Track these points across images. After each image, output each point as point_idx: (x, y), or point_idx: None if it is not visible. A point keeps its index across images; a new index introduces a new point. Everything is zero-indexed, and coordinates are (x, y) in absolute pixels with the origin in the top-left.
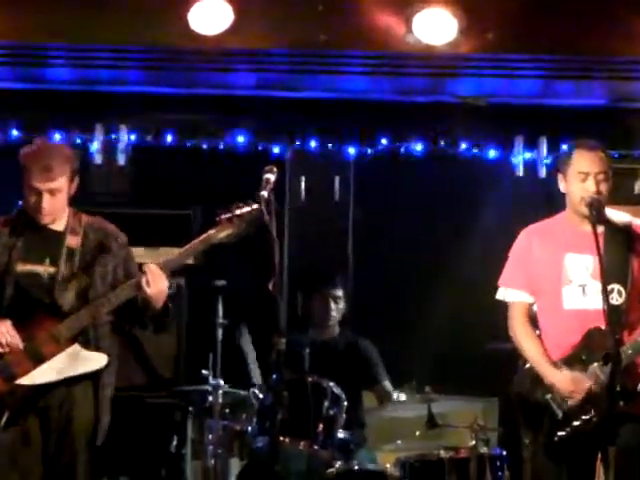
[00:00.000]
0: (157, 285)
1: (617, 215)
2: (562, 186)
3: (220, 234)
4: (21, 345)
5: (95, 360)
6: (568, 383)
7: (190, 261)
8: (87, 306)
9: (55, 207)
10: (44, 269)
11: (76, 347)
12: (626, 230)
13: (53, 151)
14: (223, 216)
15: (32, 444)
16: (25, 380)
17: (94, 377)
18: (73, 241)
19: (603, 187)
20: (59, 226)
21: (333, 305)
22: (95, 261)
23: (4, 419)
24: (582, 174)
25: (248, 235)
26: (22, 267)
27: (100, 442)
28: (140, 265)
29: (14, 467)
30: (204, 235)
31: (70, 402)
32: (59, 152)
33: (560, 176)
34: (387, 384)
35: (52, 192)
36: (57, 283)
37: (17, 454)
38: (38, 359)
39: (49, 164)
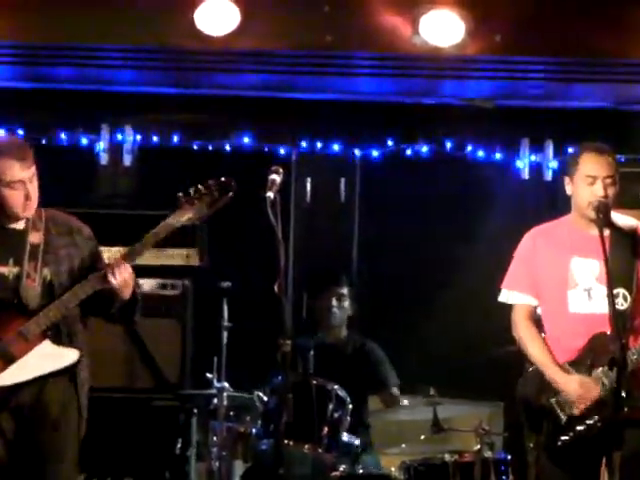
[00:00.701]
0: (122, 276)
1: (623, 219)
2: (569, 189)
3: (181, 218)
4: None
5: (66, 356)
6: (577, 387)
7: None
8: (55, 302)
9: (35, 195)
10: (8, 270)
11: (46, 343)
12: (632, 234)
13: (20, 140)
14: (183, 199)
15: (5, 445)
16: None
17: (72, 373)
18: (35, 238)
19: (610, 191)
20: (20, 224)
21: (335, 302)
22: (59, 255)
23: None
24: (590, 178)
25: (214, 217)
26: None
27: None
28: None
29: None
30: (164, 222)
31: (45, 400)
32: (18, 142)
33: (567, 179)
34: (395, 390)
35: (31, 180)
36: (22, 282)
37: None
38: (8, 359)
39: (25, 152)
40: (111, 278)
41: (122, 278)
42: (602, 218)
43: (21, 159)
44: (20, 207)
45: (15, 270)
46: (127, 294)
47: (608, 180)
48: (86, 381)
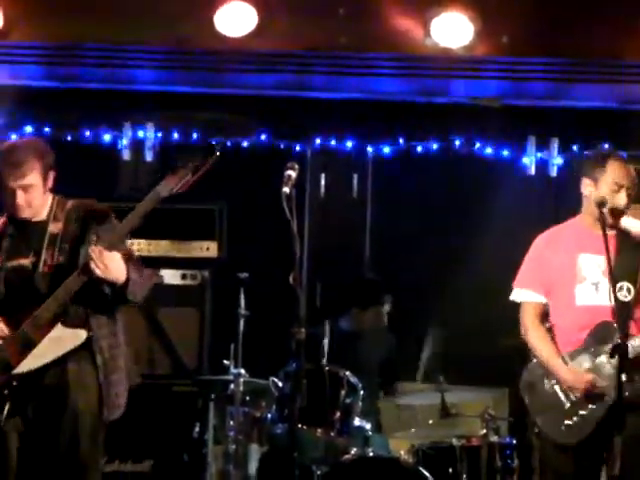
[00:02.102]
0: (107, 266)
1: (628, 219)
2: (587, 190)
3: (166, 187)
4: (6, 331)
5: (75, 337)
6: (570, 376)
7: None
8: (60, 287)
9: (30, 202)
10: (29, 261)
11: (58, 327)
12: (637, 233)
13: (22, 148)
14: (169, 171)
15: (26, 431)
16: (20, 368)
17: (92, 357)
18: (55, 227)
19: (628, 201)
20: (41, 217)
21: (375, 320)
22: (79, 243)
23: (6, 411)
24: (618, 185)
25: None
26: (10, 263)
27: (111, 417)
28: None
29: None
30: (151, 192)
31: (65, 382)
32: (29, 148)
33: (588, 180)
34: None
35: (25, 189)
36: (38, 269)
37: (8, 441)
38: (29, 345)
39: (18, 161)
40: (95, 269)
41: (107, 267)
42: (611, 223)
43: (13, 169)
44: (15, 210)
45: (34, 260)
46: (118, 278)
47: (630, 190)
48: (117, 365)
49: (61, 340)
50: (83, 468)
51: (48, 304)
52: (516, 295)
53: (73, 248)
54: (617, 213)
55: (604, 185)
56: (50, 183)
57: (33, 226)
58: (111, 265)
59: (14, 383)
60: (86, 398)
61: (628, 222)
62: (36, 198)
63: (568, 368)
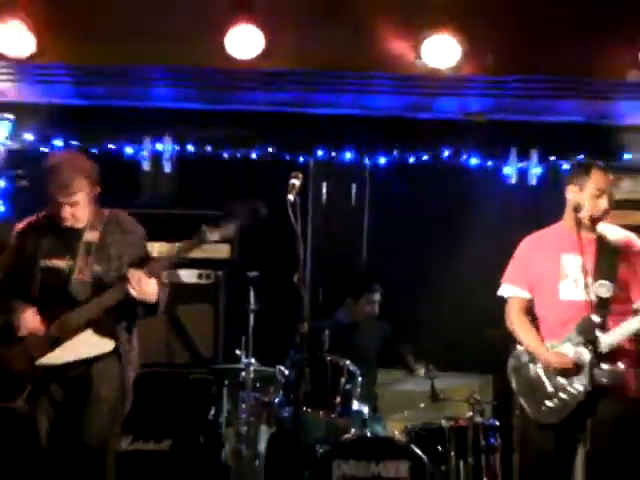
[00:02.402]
0: (143, 290)
1: (607, 225)
2: (572, 195)
3: (211, 236)
4: (41, 331)
5: (102, 345)
6: (555, 358)
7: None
8: (95, 300)
9: (75, 214)
10: (65, 263)
11: (89, 332)
12: (615, 237)
13: (70, 167)
14: (216, 222)
15: (52, 406)
16: (42, 360)
17: (118, 356)
18: (91, 236)
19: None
20: (80, 224)
21: (369, 308)
22: (111, 254)
23: (26, 392)
24: (600, 191)
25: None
26: (46, 263)
27: (128, 408)
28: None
29: (35, 435)
30: (197, 239)
31: (92, 376)
32: (76, 168)
33: (574, 187)
34: (411, 358)
35: (72, 204)
36: (73, 275)
37: (38, 423)
38: (53, 343)
39: (67, 182)
40: (132, 292)
41: (143, 292)
42: (590, 226)
43: (60, 187)
44: (60, 221)
45: (70, 264)
46: (150, 299)
47: (610, 195)
48: (132, 366)
49: (90, 344)
50: (103, 450)
51: (79, 313)
52: (503, 290)
53: (107, 258)
54: (594, 219)
55: (588, 191)
56: (95, 193)
57: (71, 233)
58: (147, 289)
59: (37, 372)
60: (108, 389)
61: (605, 228)
62: (81, 211)
63: (552, 351)
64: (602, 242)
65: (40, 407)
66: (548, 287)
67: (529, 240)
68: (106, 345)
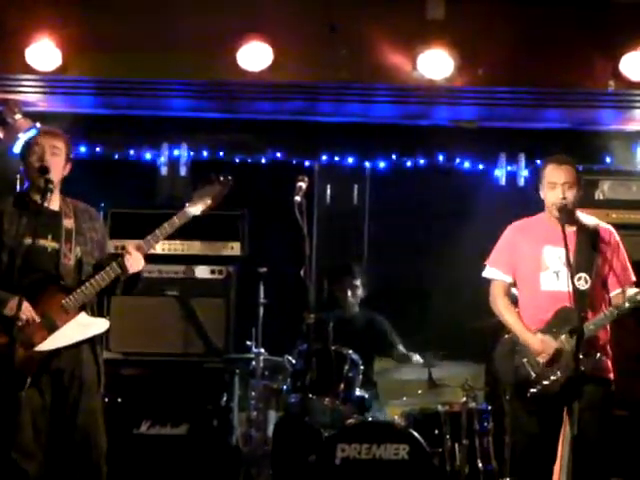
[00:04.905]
0: (137, 265)
1: (587, 218)
2: (542, 193)
3: (194, 209)
4: (37, 319)
5: (99, 324)
6: (539, 343)
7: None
8: (89, 282)
9: (54, 168)
10: (48, 243)
11: (82, 315)
12: (593, 231)
13: (54, 133)
14: (195, 194)
15: (45, 403)
16: (42, 346)
17: (91, 341)
18: (68, 223)
19: (569, 194)
20: (54, 207)
21: (350, 292)
22: (86, 238)
23: (28, 383)
24: (551, 184)
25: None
26: (29, 240)
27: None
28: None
29: (33, 425)
30: (181, 212)
31: (78, 363)
32: (59, 135)
33: (540, 185)
34: (401, 347)
35: (53, 149)
36: (60, 260)
37: (35, 413)
38: (52, 328)
39: (54, 131)
40: (129, 267)
41: (137, 267)
42: (564, 217)
43: (49, 132)
44: (41, 165)
45: (54, 245)
46: (137, 271)
47: (566, 185)
48: (101, 346)
49: (86, 326)
50: (98, 431)
51: (75, 296)
52: (487, 272)
53: (84, 242)
54: (560, 210)
55: (544, 186)
56: (67, 171)
57: (49, 213)
58: (140, 264)
59: (34, 359)
60: (92, 374)
61: (583, 219)
62: (58, 168)
63: (536, 338)
64: (581, 235)
65: (27, 398)
66: (529, 277)
67: (515, 226)
68: (101, 325)
